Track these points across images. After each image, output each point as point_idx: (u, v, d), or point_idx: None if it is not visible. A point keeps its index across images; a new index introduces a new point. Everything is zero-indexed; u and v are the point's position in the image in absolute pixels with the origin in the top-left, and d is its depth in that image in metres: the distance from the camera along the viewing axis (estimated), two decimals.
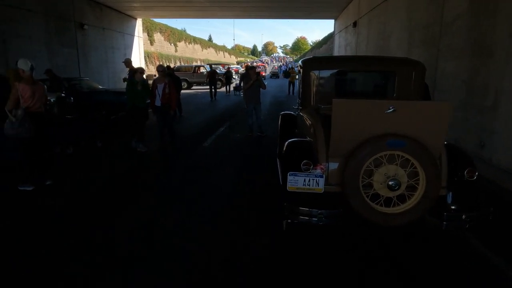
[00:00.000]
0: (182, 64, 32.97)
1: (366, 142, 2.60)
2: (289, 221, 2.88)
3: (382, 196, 2.70)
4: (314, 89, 3.55)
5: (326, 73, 3.59)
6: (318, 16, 25.82)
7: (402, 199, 2.72)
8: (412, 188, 2.70)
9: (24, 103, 4.14)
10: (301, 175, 2.73)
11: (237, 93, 19.14)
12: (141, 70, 6.57)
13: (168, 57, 31.11)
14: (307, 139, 3.25)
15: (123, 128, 9.06)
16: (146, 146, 6.55)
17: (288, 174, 2.74)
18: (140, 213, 3.77)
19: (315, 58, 3.93)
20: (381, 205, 2.71)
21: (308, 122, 3.29)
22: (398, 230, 3.19)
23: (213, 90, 16.87)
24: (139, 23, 22.76)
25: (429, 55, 7.70)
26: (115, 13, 19.32)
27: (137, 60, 22.44)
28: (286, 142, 3.16)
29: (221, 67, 29.35)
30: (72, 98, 9.13)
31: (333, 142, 2.70)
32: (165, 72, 6.83)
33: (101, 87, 11.89)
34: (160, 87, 6.46)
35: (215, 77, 17.45)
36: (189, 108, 13.14)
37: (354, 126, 2.64)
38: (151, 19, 27.13)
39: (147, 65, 25.66)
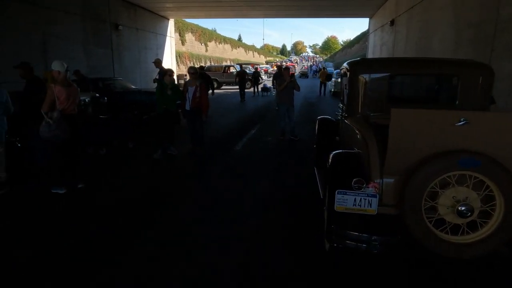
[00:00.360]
0: (212, 64, 33.15)
1: (432, 159, 2.23)
2: (334, 245, 2.55)
3: (449, 222, 2.31)
4: (362, 94, 3.18)
5: (377, 77, 3.21)
6: (352, 15, 25.04)
7: (472, 226, 2.32)
8: (485, 214, 2.29)
9: (60, 105, 4.08)
10: (351, 193, 2.40)
11: (265, 94, 18.75)
12: (170, 73, 6.26)
13: (198, 57, 31.36)
14: (354, 151, 2.91)
15: (155, 129, 9.05)
16: (176, 149, 6.33)
17: (336, 192, 2.41)
18: (170, 223, 3.58)
19: (364, 61, 3.57)
20: (446, 233, 2.33)
21: (357, 131, 2.94)
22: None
23: (242, 90, 16.45)
24: (171, 23, 23.03)
25: (480, 56, 7.05)
26: (149, 14, 19.61)
27: (169, 60, 22.72)
28: (332, 154, 2.83)
29: (250, 67, 29.21)
30: (105, 98, 9.21)
31: (389, 157, 2.34)
32: (197, 74, 6.38)
33: (133, 87, 12.00)
34: (190, 90, 6.08)
35: (245, 77, 17.03)
36: (218, 109, 13.02)
37: (415, 140, 2.28)
38: (183, 19, 27.42)
39: (178, 65, 25.95)
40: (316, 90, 20.76)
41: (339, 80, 18.73)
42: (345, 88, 3.54)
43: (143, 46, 19.22)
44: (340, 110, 4.00)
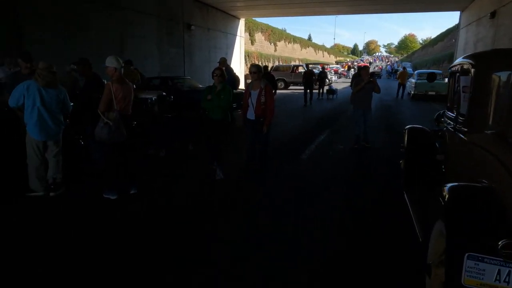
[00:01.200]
0: (280, 63, 32.63)
1: None
2: None
3: None
4: (496, 101, 2.20)
5: None
6: (438, 8, 22.43)
7: None
8: None
9: (117, 104, 3.77)
10: (493, 261, 1.51)
11: (331, 97, 17.20)
12: (217, 72, 4.68)
13: (267, 57, 31.09)
14: (486, 185, 1.96)
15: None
16: (223, 172, 4.80)
17: (465, 257, 1.54)
18: (222, 247, 2.98)
19: (502, 53, 2.54)
20: None
21: (490, 155, 2.00)
22: None
23: (308, 93, 14.56)
24: (241, 23, 23.00)
25: None
26: (220, 14, 19.74)
27: (237, 59, 22.72)
28: (449, 187, 1.92)
29: (319, 67, 28.03)
30: (172, 97, 9.12)
31: None
32: (261, 73, 4.83)
33: (201, 86, 11.90)
34: (254, 95, 4.68)
35: (312, 78, 15.19)
36: (283, 111, 12.33)
37: None
38: (253, 19, 27.33)
39: (246, 65, 25.92)
40: (392, 92, 18.91)
41: (422, 80, 16.95)
42: (463, 91, 2.56)
43: (213, 45, 19.40)
44: (449, 120, 3.00)
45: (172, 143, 6.36)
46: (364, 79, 6.50)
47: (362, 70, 6.78)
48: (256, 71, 4.72)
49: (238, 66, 23.02)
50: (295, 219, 3.61)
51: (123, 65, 3.95)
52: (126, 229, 3.34)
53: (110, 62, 3.80)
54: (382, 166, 5.59)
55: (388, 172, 5.13)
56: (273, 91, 11.69)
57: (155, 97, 8.32)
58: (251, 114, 4.78)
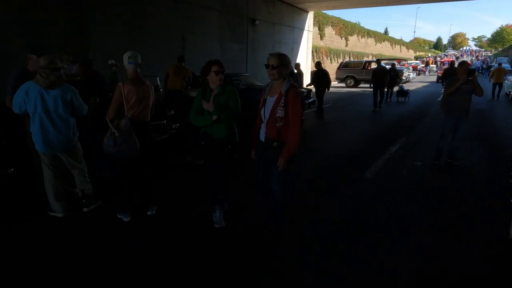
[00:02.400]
0: (351, 59, 30.48)
1: None
2: None
3: None
4: None
5: None
6: None
7: None
8: None
9: (130, 110, 3.12)
10: None
11: (402, 99, 14.41)
12: (215, 68, 3.13)
13: (337, 52, 29.23)
14: None
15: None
16: (225, 213, 3.38)
17: None
18: None
19: None
20: None
21: None
22: None
23: (378, 94, 11.76)
24: (310, 16, 21.73)
25: None
26: (287, 7, 18.77)
27: (304, 55, 21.55)
28: None
29: (396, 63, 25.37)
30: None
31: None
32: (286, 68, 2.82)
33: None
34: (269, 103, 2.83)
35: (383, 77, 11.84)
36: (346, 113, 10.96)
37: None
38: (323, 12, 25.75)
39: (313, 61, 24.56)
40: (486, 92, 16.03)
41: None
42: None
43: (278, 40, 18.53)
44: None
45: None
46: (460, 78, 5.03)
47: (459, 67, 5.22)
48: (277, 65, 2.74)
49: (305, 62, 21.83)
50: (352, 267, 2.58)
51: (140, 62, 3.27)
52: (128, 264, 2.67)
53: (130, 58, 3.14)
54: (477, 193, 4.18)
55: (490, 205, 3.75)
56: (324, 89, 10.24)
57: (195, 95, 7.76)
58: (261, 134, 2.96)
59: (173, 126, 5.80)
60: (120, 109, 3.06)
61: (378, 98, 11.82)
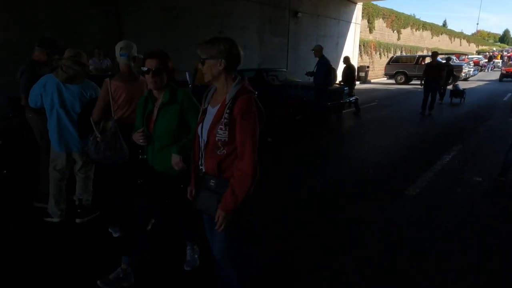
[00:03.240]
0: (403, 53, 28.33)
1: None
2: None
3: None
4: None
5: None
6: None
7: None
8: None
9: (118, 111, 2.67)
10: None
11: (457, 101, 11.88)
12: (150, 65, 2.23)
13: (387, 46, 27.31)
14: None
15: (304, 133, 7.15)
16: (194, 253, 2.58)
17: None
18: None
19: None
20: None
21: None
22: None
23: (429, 95, 9.38)
24: (358, 8, 20.37)
25: None
26: None
27: (350, 49, 20.28)
28: None
29: (454, 58, 23.02)
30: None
31: None
32: (231, 62, 1.69)
33: (297, 80, 10.44)
34: (209, 116, 1.73)
35: (437, 74, 9.38)
36: (391, 113, 9.85)
37: None
38: (374, 3, 24.06)
39: (361, 56, 23.11)
40: None
41: None
42: None
43: (322, 34, 17.54)
44: None
45: None
46: None
47: None
48: (209, 55, 1.67)
49: (351, 57, 20.54)
50: None
51: (135, 54, 2.80)
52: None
53: (126, 49, 2.68)
54: None
55: None
56: (350, 86, 9.42)
57: None
58: (200, 163, 1.82)
59: None
60: (106, 109, 2.62)
61: (431, 100, 9.54)
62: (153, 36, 9.97)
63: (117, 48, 2.70)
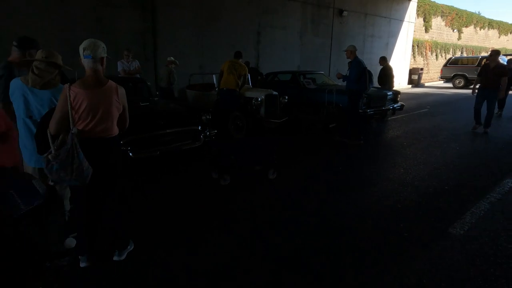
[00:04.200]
0: (464, 54, 25.76)
1: None
2: None
3: None
4: None
5: None
6: None
7: None
8: None
9: (80, 122, 2.25)
10: None
11: None
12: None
13: (445, 46, 25.00)
14: None
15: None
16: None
17: None
18: None
19: None
20: None
21: None
22: None
23: (482, 106, 7.22)
24: (412, 5, 18.78)
25: None
26: None
27: (402, 50, 18.76)
28: None
29: None
30: (286, 98, 7.33)
31: None
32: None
33: (334, 83, 9.64)
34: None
35: (501, 78, 6.85)
36: (443, 122, 8.62)
37: None
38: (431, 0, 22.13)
39: (414, 57, 21.34)
40: None
41: None
42: None
43: (371, 34, 16.38)
44: None
45: (251, 164, 4.52)
46: None
47: None
48: None
49: (402, 58, 19.02)
50: None
51: (103, 52, 2.36)
52: None
53: (88, 50, 2.27)
54: None
55: None
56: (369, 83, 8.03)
57: (262, 97, 6.75)
58: None
59: (207, 133, 4.88)
60: (66, 120, 2.22)
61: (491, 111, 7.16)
62: (188, 36, 9.80)
63: (80, 48, 2.30)
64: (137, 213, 3.48)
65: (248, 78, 8.07)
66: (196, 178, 4.46)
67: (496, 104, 7.75)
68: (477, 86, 7.25)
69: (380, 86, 9.06)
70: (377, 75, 9.31)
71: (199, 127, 4.92)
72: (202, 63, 10.21)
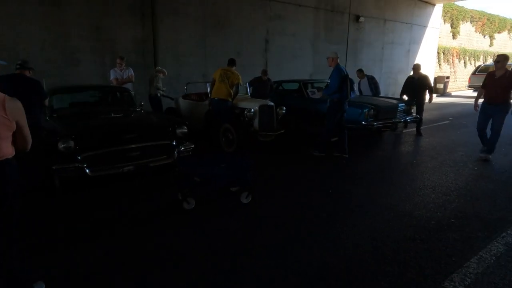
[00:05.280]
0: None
1: None
2: None
3: None
4: None
5: None
6: None
7: None
8: None
9: None
10: None
11: None
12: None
13: (475, 53, 23.54)
14: None
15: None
16: None
17: None
18: None
19: None
20: None
21: None
22: None
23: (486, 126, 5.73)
24: (437, 10, 17.73)
25: None
26: (404, 0, 15.54)
27: (425, 57, 17.67)
28: None
29: None
30: (284, 109, 6.77)
31: None
32: None
33: None
34: None
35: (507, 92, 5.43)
36: (466, 136, 7.70)
37: None
38: (458, 4, 20.87)
39: (439, 65, 20.16)
40: None
41: None
42: None
43: (390, 40, 15.52)
44: None
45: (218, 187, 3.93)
46: None
47: None
48: None
49: (426, 66, 17.91)
50: None
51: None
52: None
53: None
54: None
55: None
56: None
57: (255, 108, 6.23)
58: None
59: (181, 149, 4.40)
60: None
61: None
62: (191, 44, 9.48)
63: None
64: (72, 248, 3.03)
65: (245, 87, 7.60)
66: (164, 199, 3.97)
67: None
68: (480, 101, 5.83)
69: (406, 98, 7.98)
70: (403, 86, 8.30)
71: (174, 141, 4.45)
72: (205, 72, 9.84)
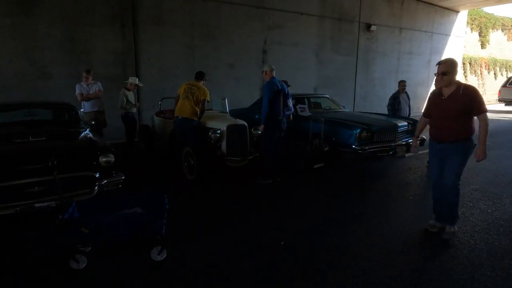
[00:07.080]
0: None
1: None
2: None
3: None
4: None
5: None
6: None
7: None
8: None
9: None
10: None
11: None
12: None
13: (507, 64, 21.63)
14: None
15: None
16: None
17: None
18: None
19: None
20: None
21: None
22: None
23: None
24: (461, 17, 16.30)
25: None
26: (423, 7, 14.34)
27: None
28: None
29: None
30: (259, 129, 5.81)
31: None
32: None
33: (344, 108, 7.95)
34: None
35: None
36: (498, 159, 6.42)
37: None
38: (485, 10, 19.27)
39: (465, 76, 18.54)
40: None
41: None
42: None
43: (407, 50, 14.28)
44: None
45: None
46: None
47: None
48: None
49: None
50: None
51: None
52: None
53: None
54: None
55: None
56: None
57: (222, 129, 5.36)
58: None
59: (103, 182, 3.59)
60: None
61: None
62: (178, 56, 8.81)
63: None
64: None
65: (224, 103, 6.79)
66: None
67: None
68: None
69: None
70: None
71: (97, 173, 3.64)
72: None
